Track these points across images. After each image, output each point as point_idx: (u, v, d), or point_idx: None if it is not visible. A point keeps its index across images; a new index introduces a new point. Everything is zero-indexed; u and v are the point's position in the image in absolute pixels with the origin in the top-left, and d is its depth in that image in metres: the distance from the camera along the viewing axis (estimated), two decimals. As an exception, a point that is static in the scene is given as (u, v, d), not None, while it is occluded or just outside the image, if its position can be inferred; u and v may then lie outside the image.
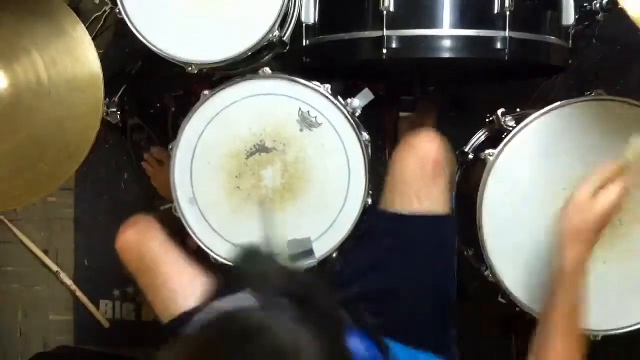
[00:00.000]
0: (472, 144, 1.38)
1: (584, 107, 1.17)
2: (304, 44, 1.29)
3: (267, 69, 1.22)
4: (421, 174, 1.12)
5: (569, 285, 0.97)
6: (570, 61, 1.29)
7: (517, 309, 1.18)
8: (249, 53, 1.21)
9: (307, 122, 1.19)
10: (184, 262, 1.20)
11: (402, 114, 1.64)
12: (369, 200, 1.19)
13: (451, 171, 1.23)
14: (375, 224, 1.18)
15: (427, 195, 1.12)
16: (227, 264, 1.21)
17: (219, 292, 1.08)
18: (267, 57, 1.33)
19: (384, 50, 1.14)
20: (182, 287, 1.17)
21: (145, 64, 1.67)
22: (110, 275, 1.79)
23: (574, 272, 0.97)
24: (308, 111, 1.19)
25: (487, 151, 1.18)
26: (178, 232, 1.24)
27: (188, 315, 1.13)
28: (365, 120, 1.27)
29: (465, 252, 1.33)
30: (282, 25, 1.26)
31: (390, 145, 1.69)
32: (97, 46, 1.32)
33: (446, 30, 1.15)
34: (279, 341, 0.66)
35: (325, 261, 1.20)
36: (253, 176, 1.20)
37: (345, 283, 1.18)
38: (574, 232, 0.97)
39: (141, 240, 1.20)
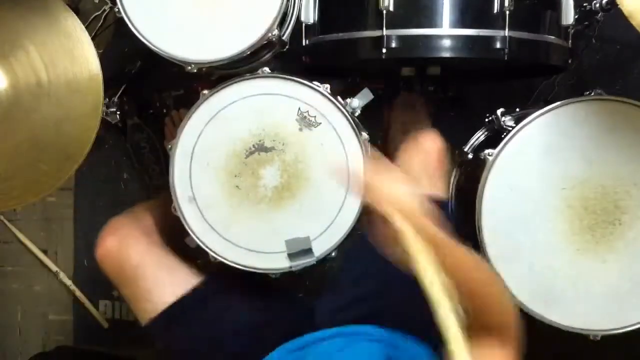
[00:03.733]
0: (472, 144, 1.38)
1: (584, 107, 1.17)
2: (303, 44, 1.29)
3: (267, 69, 1.22)
4: (424, 167, 1.20)
5: None
6: (570, 61, 1.29)
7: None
8: (249, 52, 1.20)
9: (306, 121, 1.19)
10: (167, 270, 1.17)
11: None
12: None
13: (448, 171, 1.27)
14: None
15: (428, 181, 1.19)
16: (225, 263, 1.21)
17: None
18: (266, 57, 1.32)
19: (384, 50, 1.14)
20: (161, 298, 1.14)
21: (145, 64, 1.67)
22: (110, 276, 1.79)
23: None
24: (307, 111, 1.19)
25: (486, 151, 1.18)
26: (172, 224, 1.22)
27: (163, 315, 1.12)
28: (365, 120, 1.27)
29: (465, 252, 1.33)
30: (281, 25, 1.26)
31: (384, 136, 1.66)
32: (97, 46, 1.31)
33: (446, 30, 1.15)
34: None
35: (325, 260, 1.20)
36: (252, 175, 1.20)
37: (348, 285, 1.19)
38: None
39: (121, 249, 1.16)
